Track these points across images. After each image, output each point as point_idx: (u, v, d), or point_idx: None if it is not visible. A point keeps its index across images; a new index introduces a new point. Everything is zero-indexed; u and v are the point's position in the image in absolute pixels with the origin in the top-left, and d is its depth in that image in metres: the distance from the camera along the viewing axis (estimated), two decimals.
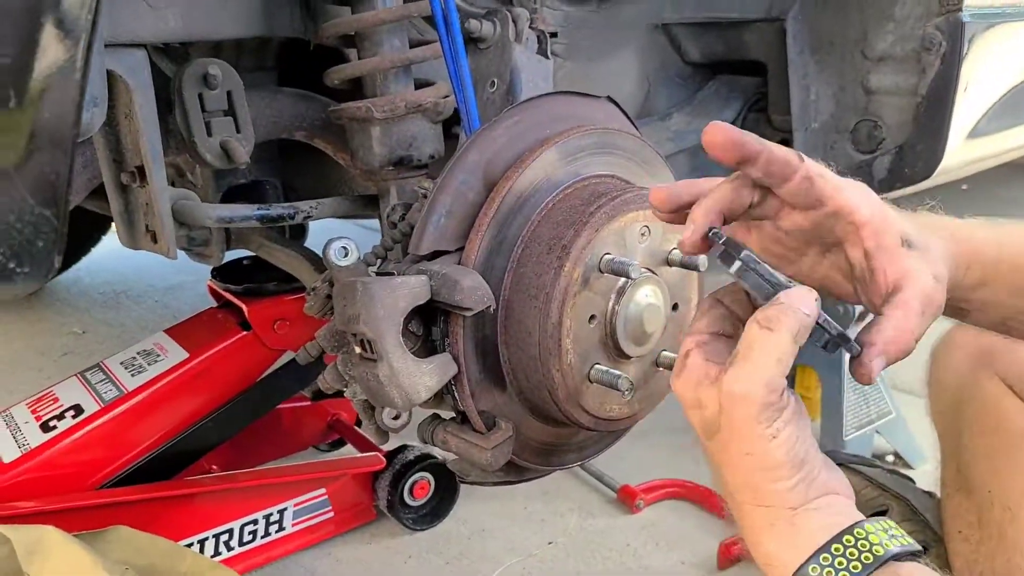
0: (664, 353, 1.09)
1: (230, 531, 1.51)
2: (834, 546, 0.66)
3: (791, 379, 1.86)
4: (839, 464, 1.38)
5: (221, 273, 1.60)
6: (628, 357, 1.05)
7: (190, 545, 1.47)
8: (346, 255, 1.00)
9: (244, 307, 1.51)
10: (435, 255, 0.99)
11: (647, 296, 1.04)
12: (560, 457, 1.13)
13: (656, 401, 1.14)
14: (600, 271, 1.00)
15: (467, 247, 0.98)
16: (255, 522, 1.53)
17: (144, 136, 0.99)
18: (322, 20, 1.19)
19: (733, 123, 1.63)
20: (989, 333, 1.20)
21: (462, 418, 1.04)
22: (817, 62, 1.45)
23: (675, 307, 1.09)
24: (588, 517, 1.68)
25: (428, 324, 0.99)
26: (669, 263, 1.07)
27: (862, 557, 0.64)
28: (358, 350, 0.96)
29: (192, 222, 1.10)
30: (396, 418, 1.05)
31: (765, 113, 1.62)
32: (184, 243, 1.19)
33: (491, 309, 0.96)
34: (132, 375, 1.46)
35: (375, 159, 1.18)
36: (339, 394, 1.86)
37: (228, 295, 1.56)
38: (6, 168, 0.65)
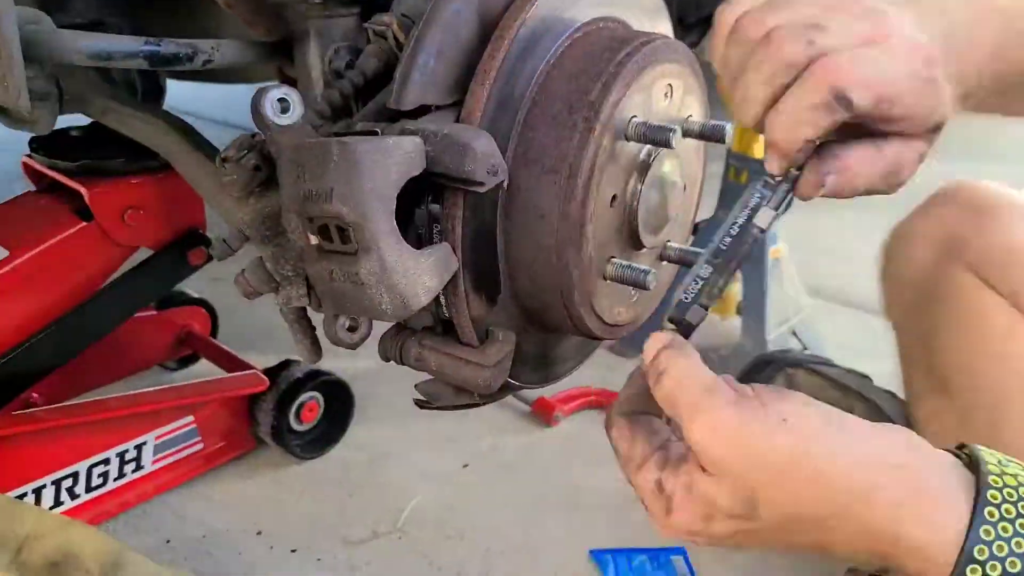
0: (671, 244, 0.91)
1: (74, 475, 1.20)
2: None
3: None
4: (795, 364, 1.29)
5: (43, 147, 1.23)
6: (641, 248, 0.86)
7: (23, 497, 1.14)
8: (287, 110, 0.72)
9: (83, 190, 1.16)
10: (421, 111, 0.73)
11: (670, 172, 0.85)
12: (548, 370, 0.93)
13: (655, 303, 0.96)
14: (627, 138, 0.78)
15: (469, 100, 0.73)
16: (106, 462, 1.23)
17: None
18: None
19: None
20: (953, 220, 1.11)
21: (444, 328, 0.80)
22: None
23: (683, 187, 0.90)
24: (502, 435, 1.49)
25: (409, 205, 0.74)
26: (686, 132, 0.87)
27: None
28: (316, 240, 0.70)
29: (49, 58, 0.76)
30: (352, 329, 0.80)
31: None
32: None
33: (504, 184, 0.73)
34: None
35: None
36: (193, 300, 1.55)
37: (57, 175, 1.20)
38: None
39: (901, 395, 1.21)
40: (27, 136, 1.23)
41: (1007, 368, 1.00)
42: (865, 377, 1.27)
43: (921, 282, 1.11)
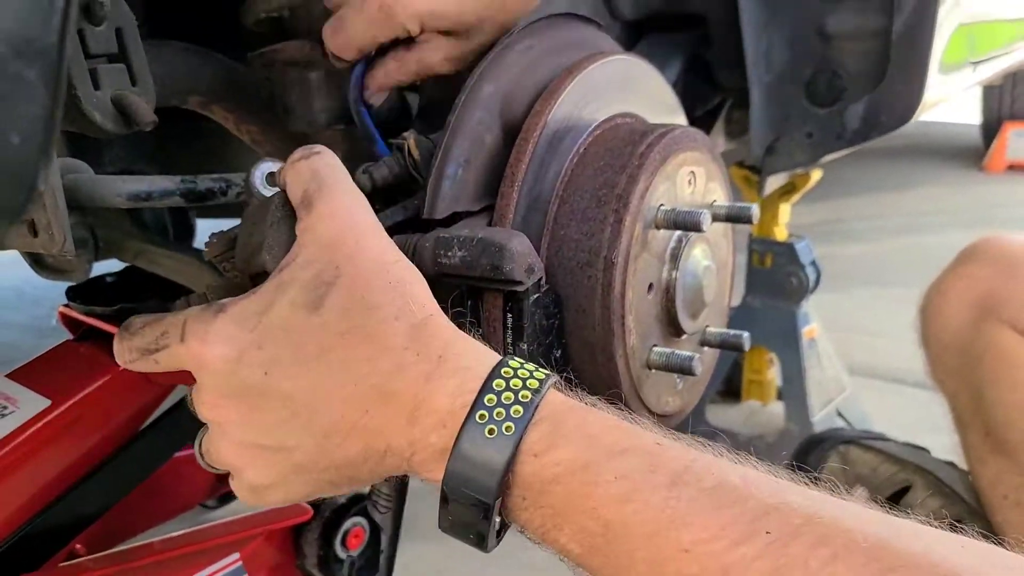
0: (711, 330, 0.90)
1: None
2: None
3: (735, 364, 1.69)
4: (847, 442, 1.26)
5: (80, 295, 1.25)
6: (682, 335, 0.85)
7: None
8: (274, 184, 0.70)
9: None
10: (452, 219, 0.74)
11: (702, 257, 0.85)
12: None
13: (700, 390, 0.95)
14: (656, 227, 0.79)
15: (500, 204, 0.74)
16: None
17: None
18: None
19: (674, 84, 1.48)
20: (984, 278, 1.11)
21: None
22: (769, 7, 1.32)
23: (716, 271, 0.90)
24: None
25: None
26: (714, 217, 0.88)
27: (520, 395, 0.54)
28: None
29: (91, 202, 0.78)
30: None
31: (705, 71, 1.47)
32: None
33: (542, 283, 0.73)
34: None
35: (320, 115, 0.91)
36: None
37: (95, 321, 1.21)
38: None
39: (961, 464, 1.18)
40: (60, 288, 1.26)
41: None
42: (921, 449, 1.23)
43: (961, 343, 1.10)
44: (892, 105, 1.28)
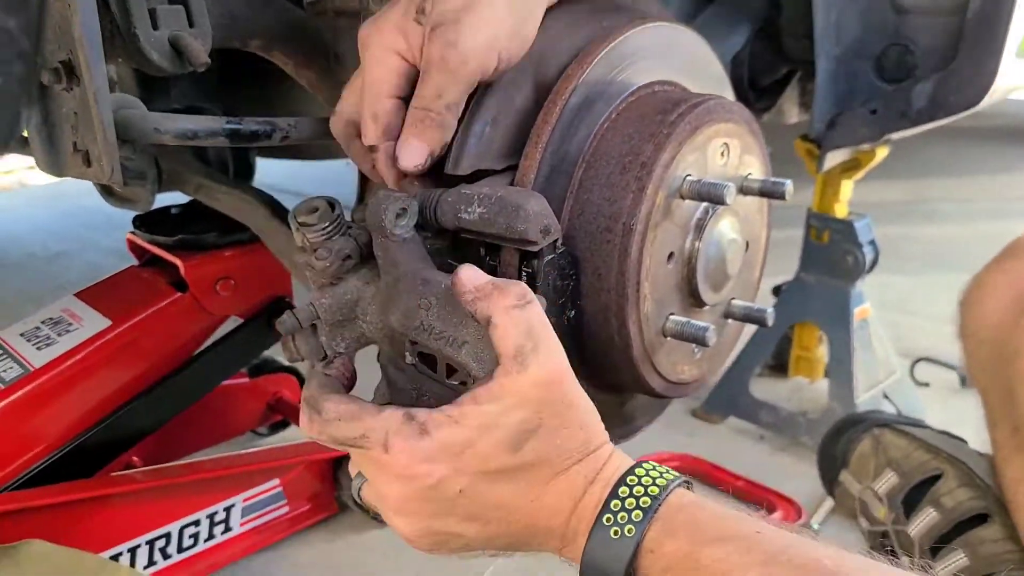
0: (735, 302, 0.91)
1: (167, 536, 1.24)
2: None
3: (785, 339, 1.67)
4: (884, 425, 1.25)
5: (145, 224, 1.32)
6: (703, 305, 0.86)
7: (119, 556, 1.20)
8: (402, 219, 0.70)
9: (179, 263, 1.24)
10: (476, 176, 0.76)
11: (728, 230, 0.85)
12: (617, 430, 0.93)
13: (722, 360, 0.96)
14: (681, 196, 0.79)
15: (523, 164, 0.76)
16: (197, 523, 1.27)
17: (79, 16, 0.73)
18: None
19: (740, 51, 1.46)
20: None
21: None
22: None
23: (746, 246, 0.90)
24: None
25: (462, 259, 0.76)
26: (745, 190, 0.87)
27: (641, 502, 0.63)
28: (412, 360, 0.72)
29: (141, 137, 0.83)
30: None
31: (774, 40, 1.44)
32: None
33: (558, 244, 0.75)
34: (38, 349, 1.17)
35: None
36: (283, 368, 1.60)
37: (157, 249, 1.28)
38: None
39: None
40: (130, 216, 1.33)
41: None
42: (958, 439, 1.21)
43: (997, 337, 1.07)
44: (961, 86, 1.23)
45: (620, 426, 0.96)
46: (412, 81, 0.72)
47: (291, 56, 1.09)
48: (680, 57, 0.88)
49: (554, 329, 0.67)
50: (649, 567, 0.61)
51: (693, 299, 0.85)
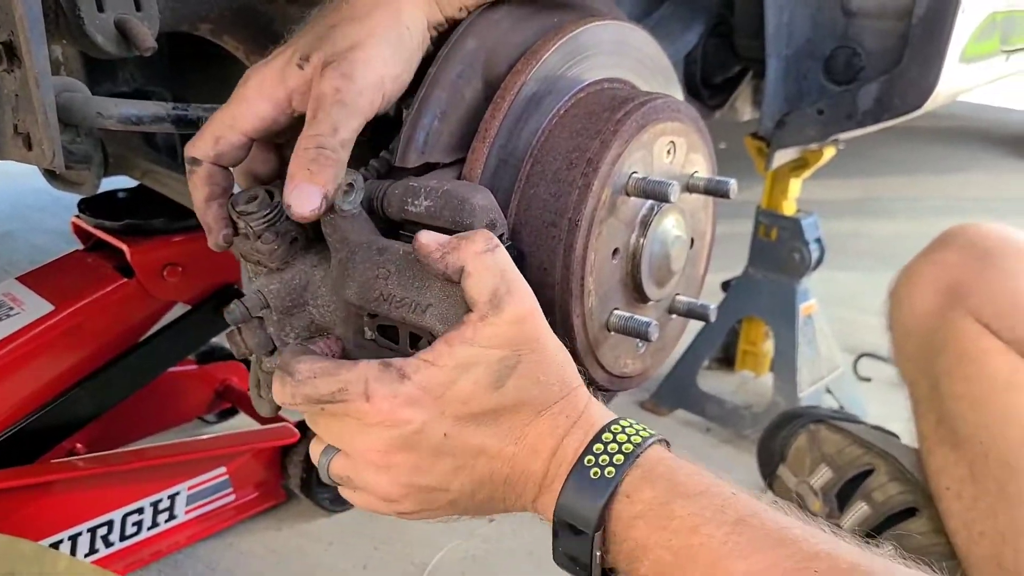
0: (679, 298, 0.92)
1: (109, 523, 1.23)
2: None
3: (733, 333, 1.70)
4: (819, 420, 1.28)
5: (90, 207, 1.30)
6: (647, 301, 0.87)
7: (59, 544, 1.18)
8: (350, 195, 0.69)
9: (125, 248, 1.22)
10: (424, 169, 0.76)
11: (672, 227, 0.86)
12: None
13: (666, 355, 0.97)
14: (627, 194, 0.80)
15: (471, 158, 0.76)
16: (140, 511, 1.26)
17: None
18: None
19: (694, 49, 1.47)
20: (955, 265, 1.09)
21: None
22: None
23: (691, 242, 0.92)
24: None
25: None
26: (691, 188, 0.89)
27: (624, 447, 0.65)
28: (371, 335, 0.71)
29: (83, 122, 0.82)
30: None
31: (727, 39, 1.46)
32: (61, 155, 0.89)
33: (504, 238, 0.75)
34: None
35: None
36: (232, 356, 1.59)
37: (102, 234, 1.26)
38: None
39: None
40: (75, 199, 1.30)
41: (1012, 420, 0.99)
42: (890, 434, 1.25)
43: (925, 329, 1.09)
44: (906, 89, 1.26)
45: None
46: (269, 130, 0.71)
47: (241, 42, 1.08)
48: (630, 55, 0.89)
49: None
50: (622, 511, 0.62)
51: (637, 294, 0.86)
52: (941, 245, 1.13)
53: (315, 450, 0.69)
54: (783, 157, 1.42)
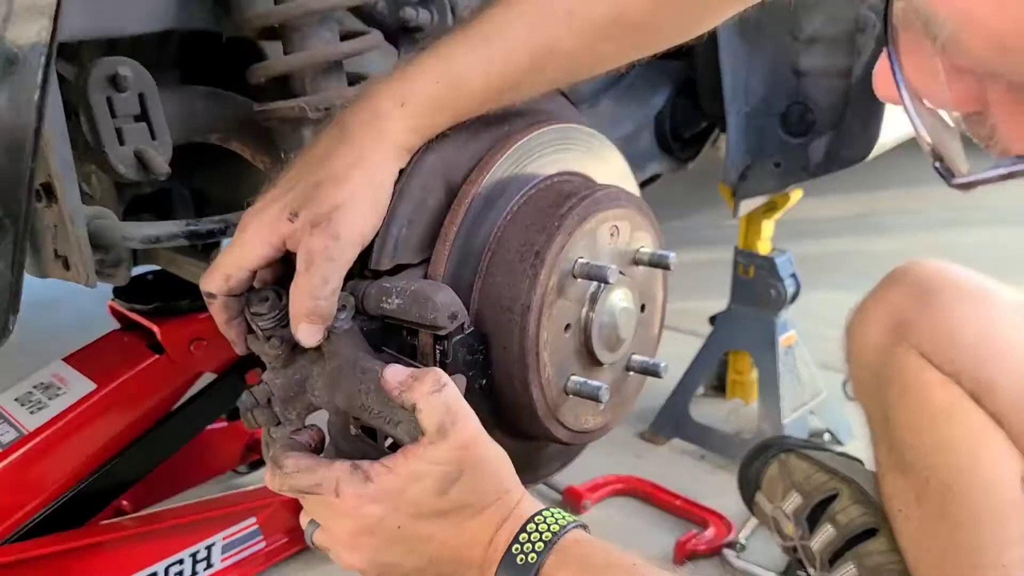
0: (635, 357, 1.05)
1: (154, 575, 1.38)
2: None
3: (724, 363, 1.83)
4: (788, 450, 1.39)
5: (124, 291, 1.45)
6: (602, 364, 1.00)
7: None
8: (343, 312, 0.84)
9: (155, 328, 1.37)
10: (396, 269, 0.90)
11: (620, 299, 0.99)
12: (532, 473, 1.07)
13: (627, 408, 1.09)
14: (574, 276, 0.93)
15: (434, 259, 0.90)
16: (181, 562, 1.40)
17: (53, 150, 0.86)
18: (238, 12, 1.07)
19: (661, 109, 1.60)
20: (900, 303, 1.20)
21: None
22: (747, 44, 1.43)
23: (643, 308, 1.04)
24: None
25: (388, 343, 0.90)
26: (636, 262, 1.02)
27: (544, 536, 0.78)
28: (355, 431, 0.86)
29: (110, 243, 0.97)
30: None
31: (693, 98, 1.59)
32: (96, 267, 1.05)
33: (465, 327, 0.88)
34: (31, 412, 1.30)
35: None
36: None
37: (135, 316, 1.42)
38: None
39: None
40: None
41: (949, 447, 1.09)
42: (855, 460, 1.35)
43: (875, 364, 1.20)
44: (851, 142, 1.38)
45: (541, 467, 1.10)
46: (268, 263, 0.85)
47: (247, 146, 1.23)
48: (575, 150, 1.02)
49: (469, 394, 0.82)
50: None
51: (591, 361, 0.98)
52: (888, 284, 1.24)
53: (303, 520, 0.84)
54: (748, 205, 1.54)
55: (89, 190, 1.26)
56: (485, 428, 0.81)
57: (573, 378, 0.96)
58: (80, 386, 1.34)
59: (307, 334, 0.83)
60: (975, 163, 0.51)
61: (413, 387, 0.77)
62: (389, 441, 0.84)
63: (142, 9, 1.00)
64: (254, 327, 0.88)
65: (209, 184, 1.40)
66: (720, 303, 1.82)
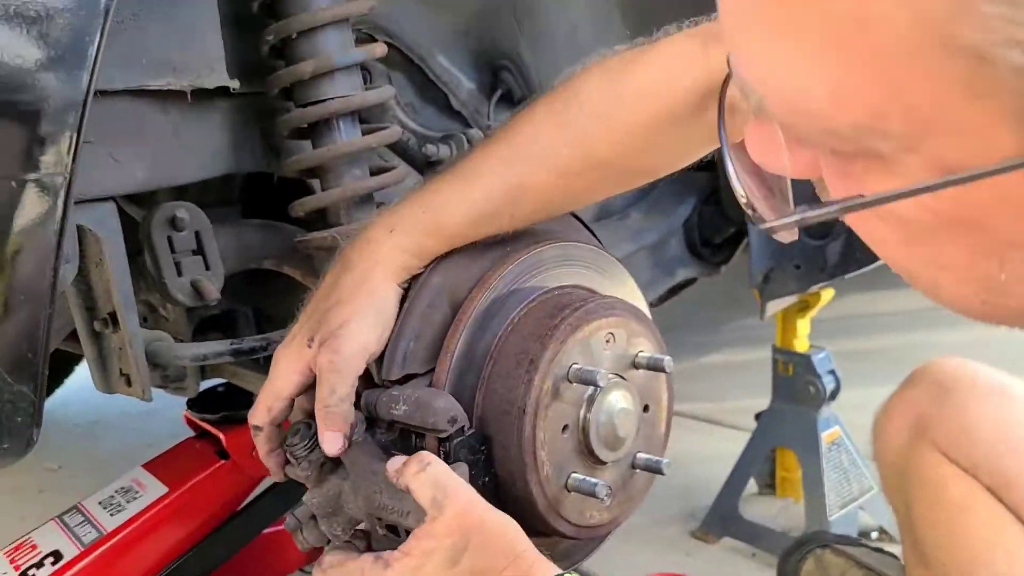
0: (639, 455, 1.11)
1: None
2: None
3: (772, 461, 1.86)
4: (824, 546, 1.41)
5: (196, 403, 1.60)
6: (604, 463, 1.07)
7: None
8: (355, 428, 0.96)
9: (221, 436, 1.51)
10: (406, 379, 1.01)
11: (618, 401, 1.06)
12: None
13: (636, 504, 1.15)
14: (569, 381, 1.02)
15: (437, 369, 1.00)
16: None
17: (115, 284, 1.02)
18: (284, 155, 1.23)
19: (689, 218, 1.69)
20: (920, 400, 1.23)
21: None
22: None
23: (646, 408, 1.11)
24: None
25: (405, 447, 1.00)
26: (635, 366, 1.09)
27: None
28: (383, 532, 0.97)
29: (166, 363, 1.11)
30: None
31: (719, 206, 1.67)
32: (159, 382, 1.19)
33: (466, 429, 0.98)
34: (111, 514, 1.44)
35: None
36: None
37: (205, 425, 1.56)
38: None
39: None
40: None
41: (964, 541, 1.10)
42: (890, 555, 1.36)
43: (899, 461, 1.23)
44: (864, 244, 1.43)
45: (560, 561, 1.16)
46: (301, 390, 0.98)
47: (297, 269, 1.38)
48: (576, 265, 1.12)
49: (476, 491, 0.91)
50: None
51: (592, 458, 1.06)
52: (910, 383, 1.28)
53: None
54: (775, 307, 1.60)
55: (165, 314, 1.43)
56: None
57: (573, 475, 1.03)
58: (155, 490, 1.48)
59: (329, 442, 0.94)
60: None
61: (403, 471, 0.88)
62: None
63: (198, 159, 1.16)
64: (289, 456, 1.01)
65: (268, 304, 1.55)
66: (767, 401, 1.86)
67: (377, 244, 0.98)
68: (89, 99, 0.65)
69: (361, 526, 0.99)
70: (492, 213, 1.00)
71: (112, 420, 3.05)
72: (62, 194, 0.71)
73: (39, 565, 1.37)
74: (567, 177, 1.00)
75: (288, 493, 1.60)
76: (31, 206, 0.74)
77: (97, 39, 0.62)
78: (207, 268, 1.17)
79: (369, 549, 0.97)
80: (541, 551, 0.91)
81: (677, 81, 0.94)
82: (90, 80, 0.64)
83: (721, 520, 1.81)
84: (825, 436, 1.69)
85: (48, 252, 0.71)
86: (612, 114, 0.97)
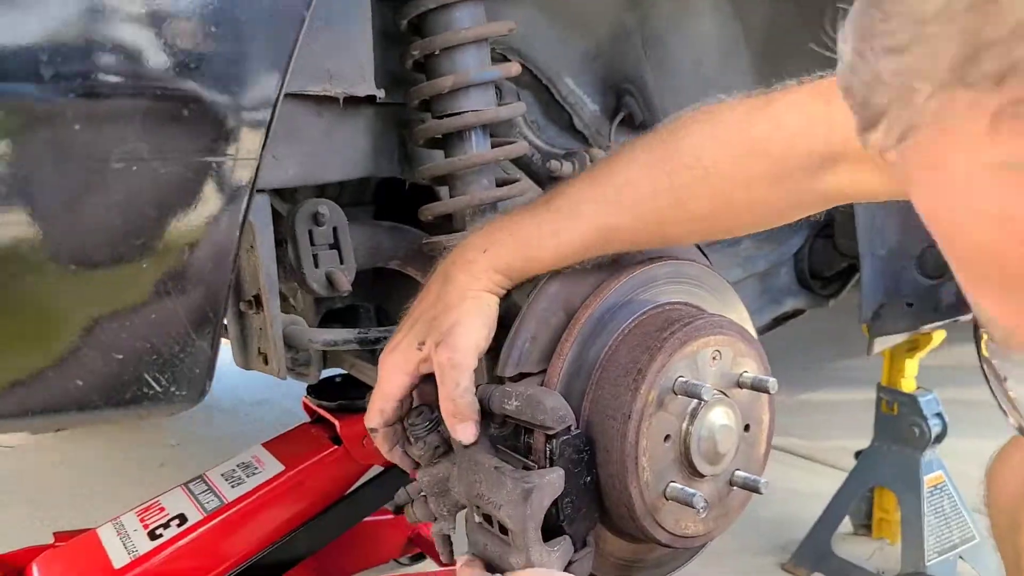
0: (738, 473, 1.14)
1: None
2: None
3: (869, 501, 1.84)
4: None
5: (315, 390, 1.71)
6: (702, 476, 1.10)
7: None
8: None
9: (336, 423, 1.60)
10: (520, 376, 1.07)
11: (720, 417, 1.10)
12: (638, 574, 1.17)
13: (731, 520, 1.18)
14: (674, 393, 1.06)
15: (549, 370, 1.06)
16: None
17: (263, 269, 1.11)
18: (417, 163, 1.32)
19: (800, 249, 1.71)
20: None
21: None
22: None
23: (747, 428, 1.14)
24: None
25: (515, 443, 1.06)
26: (740, 385, 1.12)
27: None
28: (479, 519, 1.03)
29: (300, 345, 1.21)
30: None
31: (832, 239, 1.68)
32: (289, 364, 1.29)
33: (572, 428, 1.03)
34: (232, 486, 1.55)
35: None
36: None
37: (322, 411, 1.66)
38: (176, 308, 0.76)
39: None
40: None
41: None
42: None
43: (1010, 507, 1.21)
44: None
45: (650, 569, 1.20)
46: (410, 390, 1.07)
47: (419, 270, 1.46)
48: (686, 283, 1.16)
49: (576, 490, 0.99)
50: None
51: (692, 470, 1.09)
52: None
53: None
54: (882, 344, 1.59)
55: (294, 303, 1.54)
56: (592, 524, 0.94)
57: (672, 484, 1.07)
58: (272, 467, 1.58)
59: (462, 432, 1.01)
60: None
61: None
62: None
63: (343, 161, 1.26)
64: (409, 436, 1.08)
65: (388, 302, 1.64)
66: (865, 441, 1.84)
67: (473, 263, 1.06)
68: (280, 98, 0.74)
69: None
70: (581, 252, 1.06)
71: (228, 405, 3.22)
72: (252, 176, 0.81)
73: (166, 526, 1.49)
74: (663, 226, 1.04)
75: (390, 485, 1.68)
76: (232, 181, 0.84)
77: (292, 44, 0.71)
78: (341, 262, 1.26)
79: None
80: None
81: (796, 142, 0.94)
82: (283, 80, 0.72)
83: (813, 555, 1.81)
84: (928, 479, 1.67)
85: (236, 223, 0.81)
86: (717, 170, 0.98)
